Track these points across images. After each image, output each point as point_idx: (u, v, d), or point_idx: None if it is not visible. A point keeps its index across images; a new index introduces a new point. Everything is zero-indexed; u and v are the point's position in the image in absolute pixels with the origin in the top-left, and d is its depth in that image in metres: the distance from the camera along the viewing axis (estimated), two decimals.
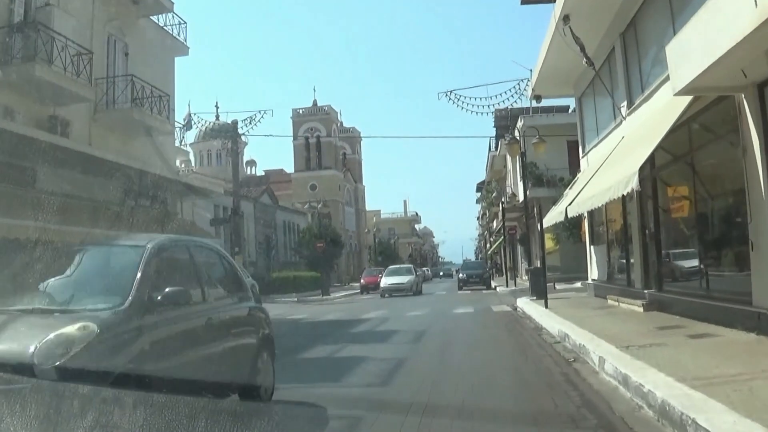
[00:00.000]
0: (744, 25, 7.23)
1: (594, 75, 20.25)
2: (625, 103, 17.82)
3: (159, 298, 6.34)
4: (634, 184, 10.98)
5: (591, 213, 22.15)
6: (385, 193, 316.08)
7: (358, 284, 53.93)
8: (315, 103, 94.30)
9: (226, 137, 40.18)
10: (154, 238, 7.09)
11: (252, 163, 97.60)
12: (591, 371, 9.38)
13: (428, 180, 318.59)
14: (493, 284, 46.05)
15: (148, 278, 6.40)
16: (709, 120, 12.38)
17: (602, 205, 14.95)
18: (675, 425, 5.96)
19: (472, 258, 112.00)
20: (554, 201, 24.38)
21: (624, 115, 17.80)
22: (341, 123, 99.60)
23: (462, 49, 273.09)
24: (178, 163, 79.95)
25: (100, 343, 5.60)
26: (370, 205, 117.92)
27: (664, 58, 14.42)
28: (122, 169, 21.38)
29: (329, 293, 45.65)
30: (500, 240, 57.25)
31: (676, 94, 10.39)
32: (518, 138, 29.99)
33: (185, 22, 28.69)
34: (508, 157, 48.84)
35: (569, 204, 17.60)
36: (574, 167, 32.41)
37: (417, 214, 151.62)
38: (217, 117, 39.20)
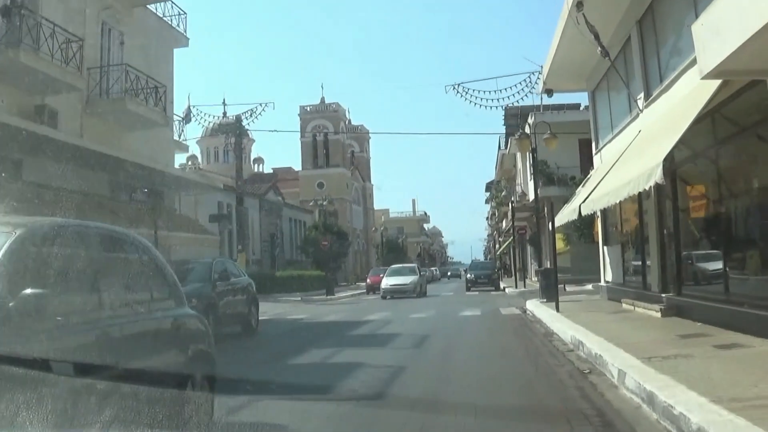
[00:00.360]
0: None
1: (608, 67, 19.41)
2: (641, 95, 16.89)
3: (12, 305, 4.32)
4: (657, 177, 9.93)
5: (605, 212, 21.43)
6: (393, 192, 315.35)
7: (364, 284, 52.78)
8: (323, 101, 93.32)
9: (230, 131, 39.13)
10: (28, 222, 5.25)
11: (259, 160, 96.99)
12: (609, 385, 8.39)
13: (438, 180, 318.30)
14: (501, 285, 45.20)
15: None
16: (736, 110, 11.34)
17: (619, 202, 14.06)
18: None
19: (481, 258, 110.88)
20: (565, 200, 23.62)
21: (641, 108, 16.88)
22: (349, 121, 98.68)
23: (471, 47, 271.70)
24: (184, 160, 79.95)
25: None
26: (378, 204, 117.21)
27: (684, 46, 13.75)
28: (114, 161, 20.51)
29: (334, 293, 44.54)
30: (509, 240, 56.34)
31: (703, 78, 9.37)
32: (529, 134, 28.91)
33: (185, 13, 27.96)
34: (518, 156, 48.17)
35: (583, 201, 16.63)
36: (586, 166, 31.71)
37: (426, 213, 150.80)
38: (225, 114, 37.94)
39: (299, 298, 39.50)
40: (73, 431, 4.38)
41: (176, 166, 43.80)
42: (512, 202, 47.18)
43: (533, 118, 36.52)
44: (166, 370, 5.82)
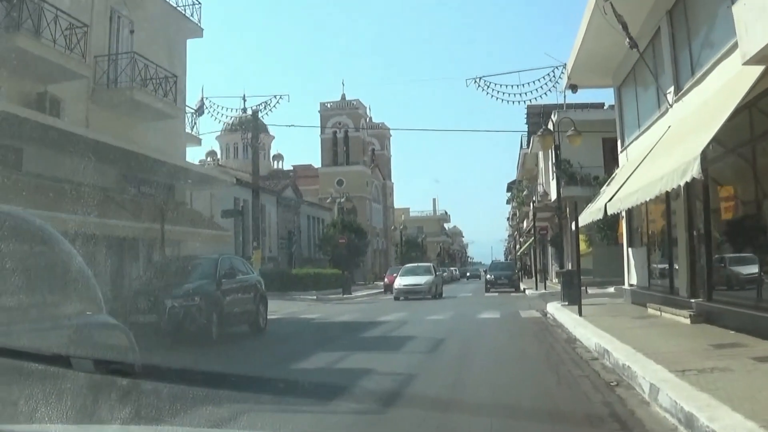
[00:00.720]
0: None
1: (635, 62, 18.79)
2: (671, 89, 16.09)
3: None
4: (695, 171, 9.07)
5: (630, 213, 20.83)
6: (414, 191, 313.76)
7: (382, 283, 51.88)
8: (343, 97, 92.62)
9: (246, 125, 38.51)
10: None
11: (279, 157, 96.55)
12: (640, 401, 7.56)
13: (459, 180, 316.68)
14: (521, 287, 44.33)
15: None
16: None
17: (645, 202, 13.24)
18: None
19: (502, 259, 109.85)
20: (588, 201, 22.95)
21: (670, 103, 16.09)
22: (370, 118, 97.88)
23: (492, 45, 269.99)
24: (203, 156, 79.60)
25: None
26: (399, 203, 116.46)
27: (718, 37, 12.98)
28: (120, 152, 19.82)
29: (351, 292, 43.83)
30: (530, 241, 55.58)
31: (745, 63, 8.64)
32: (552, 130, 28.14)
33: (199, 3, 27.30)
34: (541, 155, 47.59)
35: (609, 200, 15.78)
36: (610, 166, 31.29)
37: (446, 212, 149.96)
38: (245, 110, 37.28)
39: (315, 297, 38.87)
40: None
41: (196, 162, 43.43)
42: (534, 202, 46.45)
43: (556, 115, 35.80)
44: None
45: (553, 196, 39.06)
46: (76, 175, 18.27)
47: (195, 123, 29.44)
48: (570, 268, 28.99)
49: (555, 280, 43.12)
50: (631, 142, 20.77)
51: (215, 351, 14.14)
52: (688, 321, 13.95)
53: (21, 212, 5.35)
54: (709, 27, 13.79)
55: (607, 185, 20.51)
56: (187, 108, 28.16)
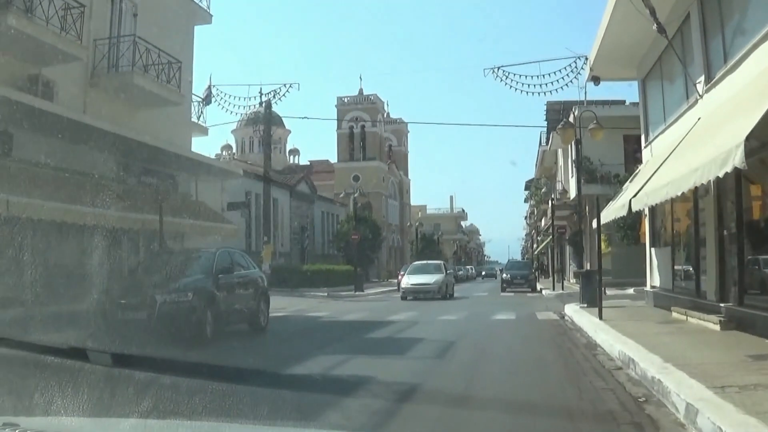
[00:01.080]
0: None
1: (662, 51, 18.04)
2: (702, 79, 15.14)
3: None
4: (737, 160, 8.01)
5: (653, 211, 20.17)
6: (432, 188, 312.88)
7: (396, 281, 50.78)
8: (361, 92, 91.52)
9: (261, 118, 37.71)
10: None
11: (295, 152, 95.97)
12: (675, 423, 6.54)
13: (477, 178, 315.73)
14: (538, 287, 43.27)
15: None
16: None
17: (676, 196, 12.25)
18: None
19: (518, 258, 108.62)
20: (608, 199, 22.02)
21: (700, 93, 15.14)
22: (387, 114, 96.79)
23: (512, 38, 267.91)
24: (218, 150, 79.04)
25: None
26: (416, 200, 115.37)
27: (753, 22, 12.03)
28: (118, 139, 18.94)
29: (363, 289, 42.91)
30: (548, 240, 54.58)
31: None
32: (573, 123, 27.12)
33: None
34: (560, 153, 46.72)
35: (634, 196, 14.75)
36: (631, 163, 30.44)
37: (463, 210, 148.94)
38: (257, 98, 36.32)
39: (326, 294, 37.95)
40: None
41: (212, 156, 42.67)
42: (552, 200, 45.42)
43: (577, 110, 34.89)
44: None
45: (573, 193, 38.19)
46: (70, 162, 17.46)
47: (202, 112, 28.63)
48: (589, 268, 27.98)
49: (573, 281, 42.21)
50: (656, 136, 19.86)
51: (205, 351, 13.06)
52: (717, 327, 12.97)
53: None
54: (742, 11, 13.01)
55: (630, 182, 19.65)
56: (193, 96, 27.35)
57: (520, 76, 26.83)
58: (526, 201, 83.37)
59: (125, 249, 20.75)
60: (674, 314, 16.27)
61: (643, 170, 18.67)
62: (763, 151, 11.75)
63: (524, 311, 23.51)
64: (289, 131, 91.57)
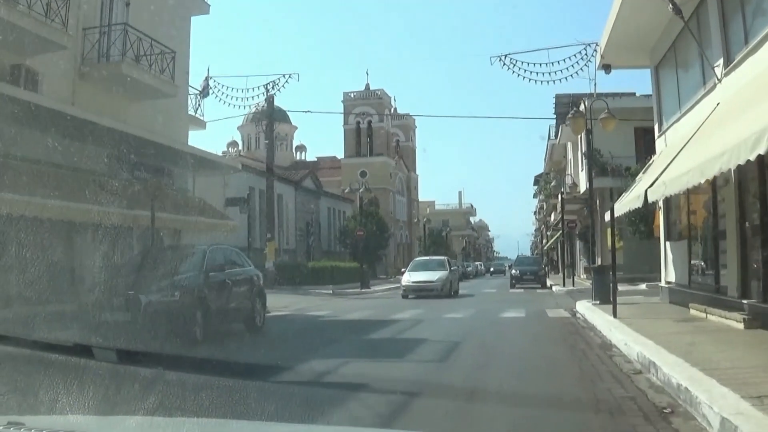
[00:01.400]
0: None
1: (676, 36, 17.40)
2: (720, 62, 14.43)
3: None
4: None
5: (668, 203, 19.33)
6: (440, 183, 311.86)
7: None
8: (367, 87, 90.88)
9: (264, 113, 36.95)
10: None
11: (302, 148, 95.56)
12: None
13: (485, 173, 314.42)
14: (548, 283, 42.39)
15: None
16: None
17: (693, 186, 11.40)
18: None
19: (528, 254, 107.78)
20: (619, 192, 21.27)
21: (719, 77, 14.40)
22: (395, 109, 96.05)
23: (521, 28, 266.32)
24: (225, 146, 78.53)
25: None
26: (424, 196, 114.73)
27: None
28: (109, 132, 18.20)
29: (369, 286, 42.16)
30: (558, 234, 53.75)
31: None
32: (583, 112, 26.23)
33: None
34: (569, 146, 46.09)
35: (649, 186, 13.90)
36: (642, 156, 29.90)
37: (472, 206, 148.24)
38: (266, 93, 35.39)
39: (330, 292, 37.15)
40: None
41: (219, 153, 41.96)
42: (562, 194, 44.57)
43: (587, 102, 34.11)
44: None
45: (583, 187, 37.43)
46: (55, 156, 16.70)
47: (199, 105, 27.88)
48: (601, 263, 27.14)
49: (583, 276, 41.43)
50: (671, 125, 19.06)
51: (191, 355, 12.20)
52: (741, 326, 12.16)
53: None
54: None
55: (643, 173, 18.88)
56: (190, 89, 26.57)
57: (528, 63, 25.93)
58: (535, 196, 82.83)
59: (113, 247, 19.98)
60: (692, 311, 15.47)
61: (657, 161, 17.95)
62: None
63: (534, 308, 22.78)
64: (296, 127, 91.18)
